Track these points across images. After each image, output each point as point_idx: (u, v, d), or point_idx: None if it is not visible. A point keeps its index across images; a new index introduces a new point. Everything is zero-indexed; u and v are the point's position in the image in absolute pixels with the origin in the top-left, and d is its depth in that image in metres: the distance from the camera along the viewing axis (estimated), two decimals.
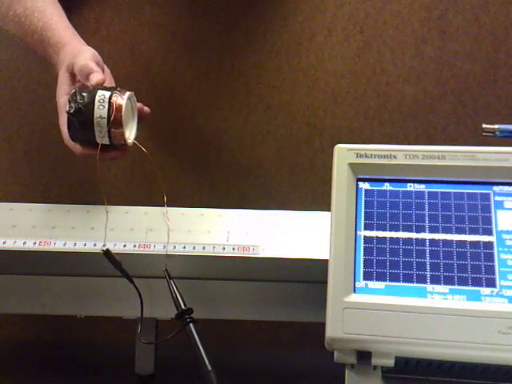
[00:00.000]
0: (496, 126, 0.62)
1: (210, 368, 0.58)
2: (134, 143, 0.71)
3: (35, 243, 0.68)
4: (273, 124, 0.95)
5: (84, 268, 0.68)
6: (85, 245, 0.67)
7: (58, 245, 0.68)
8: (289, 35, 0.93)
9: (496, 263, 0.53)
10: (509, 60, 0.92)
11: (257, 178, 0.97)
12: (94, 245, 0.67)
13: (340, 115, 0.94)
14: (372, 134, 0.94)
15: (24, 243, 0.68)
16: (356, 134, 0.94)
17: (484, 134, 0.62)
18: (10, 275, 0.70)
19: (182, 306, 0.63)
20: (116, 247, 0.67)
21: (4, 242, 0.68)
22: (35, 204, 0.75)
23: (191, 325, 0.62)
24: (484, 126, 0.62)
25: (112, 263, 0.64)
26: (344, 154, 0.58)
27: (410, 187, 0.57)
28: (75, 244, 0.68)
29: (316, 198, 0.95)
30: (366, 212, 0.56)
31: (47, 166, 0.98)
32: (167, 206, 0.74)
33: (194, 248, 0.68)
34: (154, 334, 0.74)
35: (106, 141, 0.67)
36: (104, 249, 0.64)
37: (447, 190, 0.56)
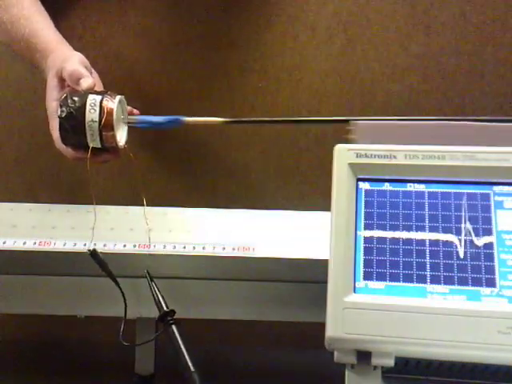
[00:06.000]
0: (131, 117, 0.71)
1: (193, 369, 0.58)
2: (124, 146, 0.71)
3: (35, 243, 0.68)
4: (258, 125, 0.95)
5: (84, 268, 0.68)
6: (85, 245, 0.67)
7: (58, 245, 0.68)
8: (272, 35, 0.92)
9: (496, 263, 0.53)
10: (496, 54, 0.91)
11: (243, 179, 0.97)
12: (95, 245, 0.67)
13: (325, 115, 0.94)
14: None
15: (24, 243, 0.68)
16: (341, 133, 0.94)
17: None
18: (9, 275, 0.70)
19: (164, 308, 0.63)
20: (116, 247, 0.67)
21: (4, 242, 0.68)
22: (35, 204, 0.75)
23: (173, 326, 0.62)
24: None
25: (98, 264, 0.64)
26: (344, 154, 0.58)
27: (410, 187, 0.57)
28: (75, 244, 0.68)
29: (303, 197, 0.95)
30: (366, 212, 0.56)
31: (37, 171, 0.98)
32: (169, 206, 0.74)
33: (194, 248, 0.68)
34: (153, 333, 0.74)
35: (97, 144, 0.68)
36: (90, 249, 0.64)
37: (447, 190, 0.56)
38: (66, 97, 0.67)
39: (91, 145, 0.67)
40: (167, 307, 0.63)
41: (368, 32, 0.92)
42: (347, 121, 0.64)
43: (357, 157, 0.57)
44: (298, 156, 0.95)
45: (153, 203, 0.72)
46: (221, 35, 0.93)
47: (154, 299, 0.64)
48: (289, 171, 0.96)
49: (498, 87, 0.92)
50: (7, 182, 0.99)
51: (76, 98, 0.67)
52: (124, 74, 0.94)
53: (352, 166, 0.57)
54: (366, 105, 0.93)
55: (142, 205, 0.73)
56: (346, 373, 0.53)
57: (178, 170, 0.98)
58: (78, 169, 0.87)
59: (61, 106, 0.67)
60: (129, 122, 0.71)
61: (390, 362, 0.51)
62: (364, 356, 0.51)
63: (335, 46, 0.92)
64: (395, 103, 0.93)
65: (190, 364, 0.58)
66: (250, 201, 0.95)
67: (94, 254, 0.64)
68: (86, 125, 0.66)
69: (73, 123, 0.67)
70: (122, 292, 0.64)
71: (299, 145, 0.95)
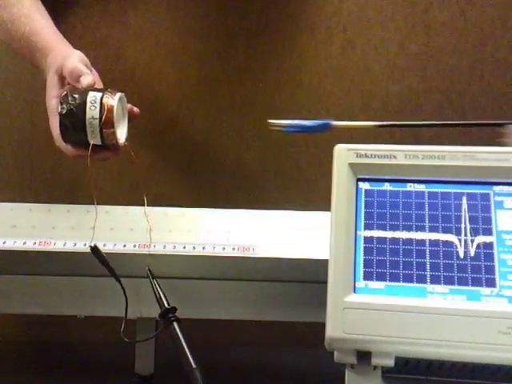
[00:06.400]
0: (282, 122, 0.66)
1: (194, 366, 0.58)
2: (124, 144, 0.71)
3: (35, 243, 0.68)
4: (257, 125, 0.95)
5: (84, 268, 0.68)
6: (85, 245, 0.67)
7: (58, 245, 0.68)
8: (271, 36, 0.92)
9: (496, 263, 0.53)
10: (496, 54, 0.91)
11: (242, 180, 0.97)
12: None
13: (324, 115, 0.93)
14: (357, 132, 0.93)
15: (24, 243, 0.68)
16: (341, 133, 0.93)
17: (271, 128, 0.65)
18: (10, 275, 0.70)
19: (166, 305, 0.63)
20: (116, 247, 0.67)
21: (4, 242, 0.68)
22: (35, 204, 0.75)
23: (175, 323, 0.62)
24: (269, 121, 0.65)
25: (99, 260, 0.64)
26: (344, 154, 0.58)
27: (410, 187, 0.57)
28: (75, 244, 0.68)
29: (301, 197, 0.95)
30: (366, 212, 0.56)
31: (37, 172, 0.98)
32: (169, 206, 0.74)
33: (194, 248, 0.68)
34: (153, 332, 0.74)
35: (97, 141, 0.67)
36: (92, 245, 0.64)
37: (447, 190, 0.56)
38: (66, 94, 0.67)
39: (91, 142, 0.67)
40: (168, 304, 0.63)
41: (367, 32, 0.92)
42: (502, 124, 0.63)
43: (357, 157, 0.57)
44: (298, 156, 0.95)
45: (153, 203, 0.72)
46: (220, 36, 0.93)
47: (156, 296, 0.64)
48: (288, 171, 0.96)
49: (497, 87, 0.91)
50: (8, 181, 0.99)
51: (76, 95, 0.67)
52: (124, 75, 0.94)
53: (352, 165, 0.57)
54: (365, 105, 0.93)
55: (143, 205, 0.73)
56: (346, 373, 0.53)
57: (178, 170, 0.98)
58: (78, 169, 0.87)
59: (61, 103, 0.67)
60: (279, 126, 0.66)
61: (390, 362, 0.51)
62: (364, 356, 0.51)
63: (335, 46, 0.92)
64: (395, 103, 0.93)
65: (191, 361, 0.58)
66: (250, 201, 0.95)
67: (95, 250, 0.64)
68: (87, 122, 0.66)
69: (73, 120, 0.66)
70: (123, 288, 0.64)
71: (299, 144, 0.95)
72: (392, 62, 0.92)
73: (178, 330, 0.61)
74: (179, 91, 0.95)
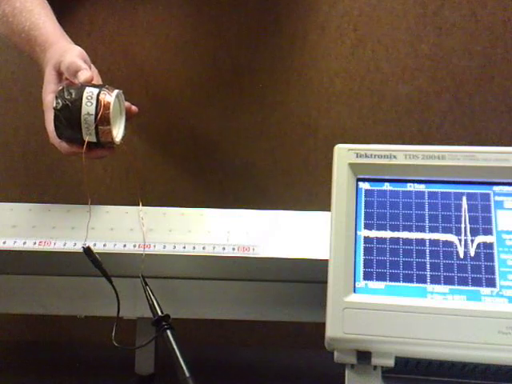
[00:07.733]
0: None
1: (187, 374, 0.57)
2: (120, 143, 0.70)
3: (35, 243, 0.68)
4: (266, 124, 0.95)
5: (84, 268, 0.68)
6: (85, 245, 0.67)
7: (58, 245, 0.68)
8: (282, 34, 0.92)
9: (496, 263, 0.53)
10: (506, 56, 0.91)
11: (251, 178, 0.97)
12: (94, 245, 0.67)
13: (334, 114, 0.94)
14: (366, 133, 0.93)
15: (24, 243, 0.68)
16: (350, 133, 0.94)
17: None
18: (10, 275, 0.70)
19: (159, 313, 0.62)
20: (116, 247, 0.67)
21: (4, 242, 0.68)
22: (35, 204, 0.75)
23: (168, 331, 0.61)
24: None
25: (92, 261, 0.63)
26: (344, 154, 0.58)
27: (410, 187, 0.57)
28: (75, 244, 0.68)
29: (310, 197, 0.95)
30: (366, 212, 0.56)
31: (44, 168, 0.98)
32: (174, 206, 0.74)
33: (194, 248, 0.68)
34: (154, 333, 0.74)
35: (92, 138, 0.66)
36: (85, 246, 0.64)
37: (447, 190, 0.56)
38: (62, 89, 0.66)
39: (86, 139, 0.66)
40: (162, 312, 0.62)
41: (378, 32, 0.91)
42: None
43: (357, 157, 0.57)
44: (307, 155, 0.95)
45: (160, 202, 0.72)
46: (230, 34, 0.93)
47: (149, 304, 0.63)
48: (297, 171, 0.96)
49: (507, 88, 0.91)
50: (14, 177, 0.99)
51: (72, 91, 0.66)
52: (132, 71, 0.93)
53: (352, 165, 0.57)
54: (375, 105, 0.93)
55: (146, 205, 0.73)
56: (346, 373, 0.53)
57: (186, 170, 0.98)
58: (81, 167, 0.87)
59: (56, 98, 0.66)
60: None
61: (390, 362, 0.51)
62: (364, 356, 0.51)
63: (345, 46, 0.92)
64: (404, 104, 0.93)
65: (184, 369, 0.58)
66: (258, 200, 0.95)
67: (87, 251, 0.64)
68: (82, 118, 0.65)
69: (68, 115, 0.65)
70: (115, 290, 0.64)
71: (308, 144, 0.95)
72: (402, 63, 0.92)
73: (171, 338, 0.60)
74: (189, 88, 0.94)
